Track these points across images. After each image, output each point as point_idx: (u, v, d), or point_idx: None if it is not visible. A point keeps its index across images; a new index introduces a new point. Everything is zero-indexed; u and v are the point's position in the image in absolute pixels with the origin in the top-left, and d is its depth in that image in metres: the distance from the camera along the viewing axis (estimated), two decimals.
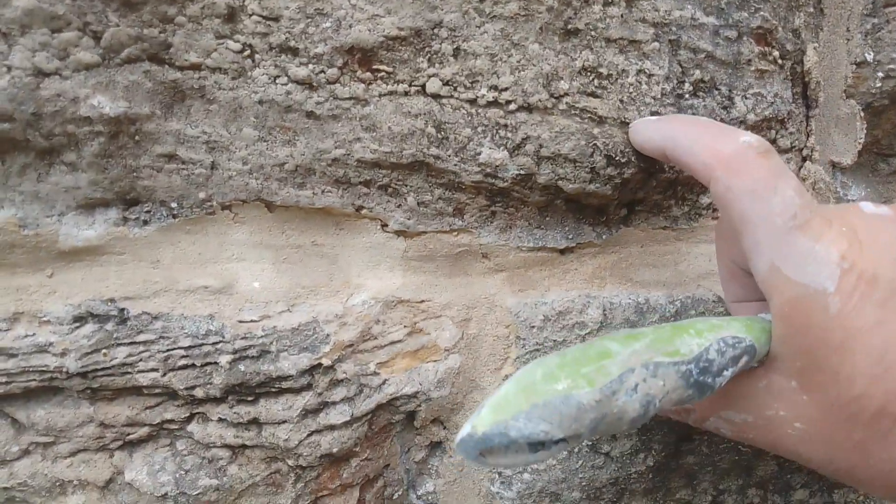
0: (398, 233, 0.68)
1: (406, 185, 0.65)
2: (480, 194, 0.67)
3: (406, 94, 0.63)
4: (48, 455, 0.64)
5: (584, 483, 0.74)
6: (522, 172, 0.65)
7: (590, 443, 0.73)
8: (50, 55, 0.54)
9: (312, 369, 0.64)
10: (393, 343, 0.68)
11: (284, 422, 0.64)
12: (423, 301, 0.69)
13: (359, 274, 0.68)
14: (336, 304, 0.66)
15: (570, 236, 0.71)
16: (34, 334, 0.60)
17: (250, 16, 0.59)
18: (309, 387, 0.64)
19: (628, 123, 0.66)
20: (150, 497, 0.64)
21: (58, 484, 0.64)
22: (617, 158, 0.66)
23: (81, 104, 0.56)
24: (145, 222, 0.62)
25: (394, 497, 0.74)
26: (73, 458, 0.64)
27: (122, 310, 0.61)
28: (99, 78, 0.56)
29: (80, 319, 0.61)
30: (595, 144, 0.65)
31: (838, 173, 0.84)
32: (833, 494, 0.82)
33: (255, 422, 0.64)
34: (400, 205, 0.66)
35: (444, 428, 0.74)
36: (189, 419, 0.65)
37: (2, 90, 0.53)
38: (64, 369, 0.60)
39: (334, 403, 0.65)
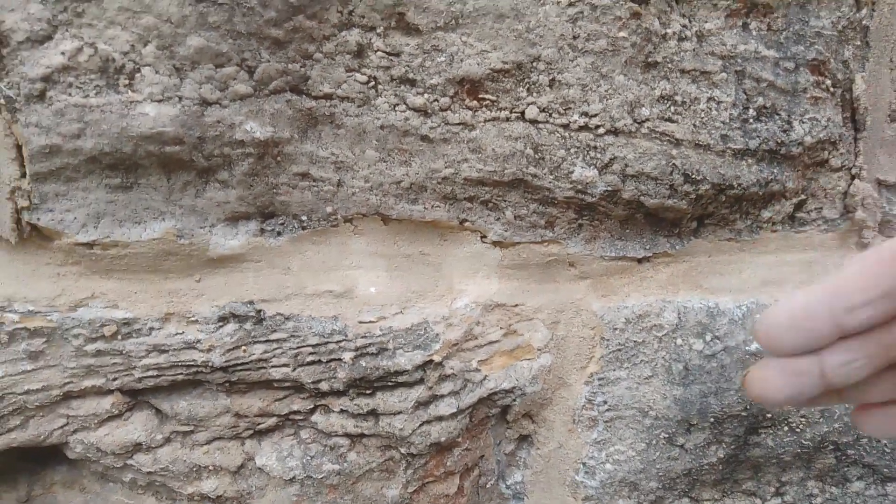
0: (496, 243, 0.74)
1: (505, 201, 0.72)
2: (570, 208, 0.73)
3: (507, 119, 0.70)
4: (187, 443, 0.70)
5: (660, 473, 0.79)
6: (609, 189, 0.71)
7: (667, 435, 0.78)
8: (213, 87, 0.61)
9: (425, 365, 0.70)
10: (491, 343, 0.74)
11: (400, 413, 0.70)
12: (516, 305, 0.75)
13: (460, 280, 0.74)
14: (442, 307, 0.73)
15: (648, 247, 0.77)
16: (183, 332, 0.66)
17: (376, 52, 0.66)
18: (421, 381, 0.70)
19: (702, 146, 0.72)
20: (278, 480, 0.70)
21: (195, 469, 0.70)
22: (693, 176, 0.72)
23: (237, 129, 0.62)
24: (279, 233, 0.69)
25: (487, 486, 0.79)
26: (209, 446, 0.70)
27: (259, 311, 0.68)
28: (251, 106, 0.63)
29: (223, 319, 0.67)
30: (674, 164, 0.72)
31: (884, 190, 0.90)
32: (887, 486, 0.87)
33: (373, 413, 0.70)
34: (499, 218, 0.73)
35: (534, 422, 0.79)
36: (313, 410, 0.71)
37: (175, 117, 0.60)
38: (209, 364, 0.67)
39: (443, 396, 0.71)
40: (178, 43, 0.59)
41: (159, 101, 0.59)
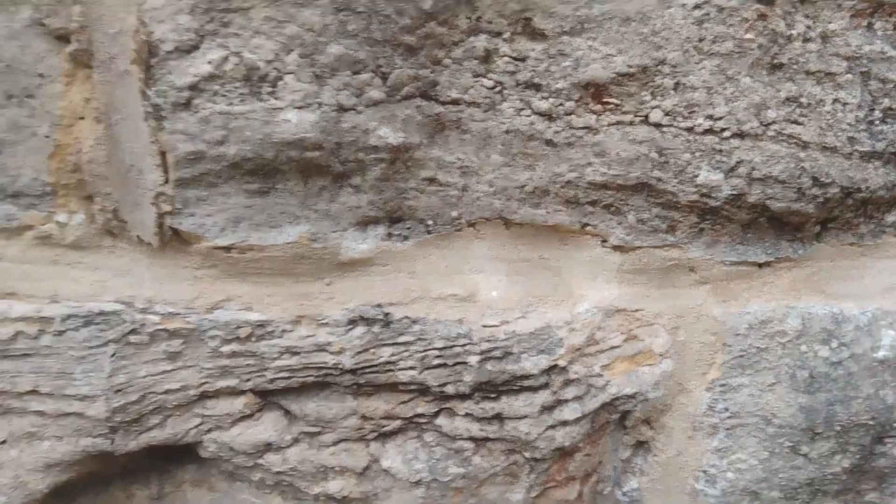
0: (616, 248, 0.73)
1: (627, 205, 0.71)
2: (693, 212, 0.71)
3: (631, 123, 0.68)
4: (314, 443, 0.70)
5: (782, 483, 0.76)
6: (735, 192, 0.70)
7: (791, 444, 0.75)
8: (350, 93, 0.62)
9: (550, 369, 0.69)
10: (612, 348, 0.73)
11: (525, 417, 0.69)
12: (637, 310, 0.74)
13: (580, 285, 0.73)
14: (564, 312, 0.71)
15: (769, 251, 0.75)
16: (314, 335, 0.67)
17: (502, 57, 0.66)
18: (546, 385, 0.69)
19: (829, 148, 0.70)
20: (404, 483, 0.69)
21: (321, 470, 0.70)
22: (822, 179, 0.70)
23: (371, 135, 0.63)
24: (405, 238, 0.69)
25: (604, 493, 0.77)
26: (336, 447, 0.70)
27: (387, 314, 0.68)
28: (384, 112, 0.63)
29: (353, 322, 0.67)
30: (802, 167, 0.69)
31: None
32: None
33: (498, 417, 0.69)
34: (621, 222, 0.71)
35: (652, 428, 0.78)
36: (437, 414, 0.70)
37: (315, 123, 0.60)
38: (340, 366, 0.67)
39: (567, 401, 0.70)
40: (319, 51, 0.59)
41: (300, 107, 0.60)
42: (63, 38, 0.60)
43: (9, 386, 0.63)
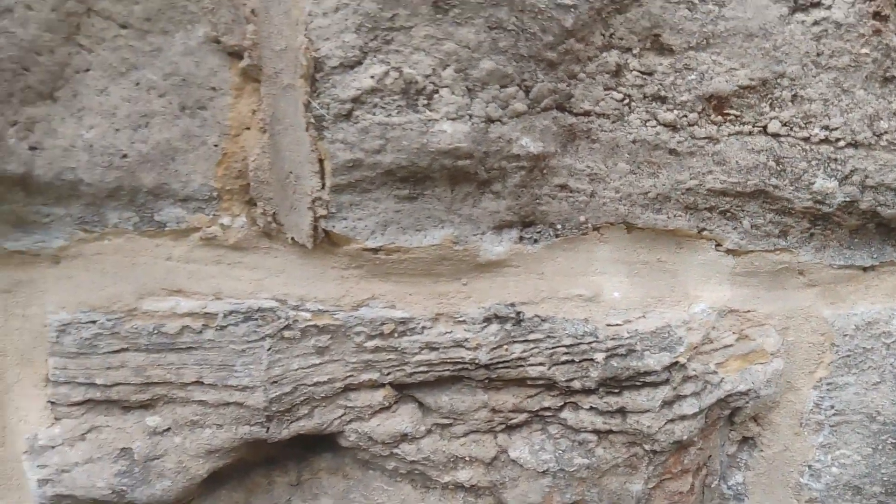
0: (730, 251, 0.76)
1: (743, 210, 0.74)
2: (805, 218, 0.75)
3: (750, 133, 0.72)
4: (445, 434, 0.74)
5: (885, 478, 0.79)
6: (847, 199, 0.73)
7: (894, 440, 0.79)
8: (497, 105, 0.66)
9: (671, 366, 0.72)
10: (726, 347, 0.76)
11: (647, 411, 0.72)
12: (748, 311, 0.78)
13: (695, 286, 0.77)
14: (681, 312, 0.75)
15: (875, 256, 0.78)
16: (452, 331, 0.71)
17: (631, 71, 0.70)
18: (667, 381, 0.73)
19: None
20: (531, 472, 0.73)
21: (452, 459, 0.74)
22: None
23: (514, 144, 0.67)
24: (535, 241, 0.73)
25: (711, 486, 0.81)
26: (466, 438, 0.74)
27: (519, 312, 0.72)
28: (524, 123, 0.67)
29: (487, 320, 0.71)
30: None
31: None
32: None
33: (620, 411, 0.73)
34: (736, 227, 0.75)
35: (759, 424, 0.81)
36: (562, 407, 0.74)
37: (467, 134, 0.65)
38: (476, 361, 0.71)
39: (685, 397, 0.74)
40: (472, 66, 0.64)
41: (454, 119, 0.64)
42: (236, 54, 0.65)
43: (174, 377, 0.67)
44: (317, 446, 0.76)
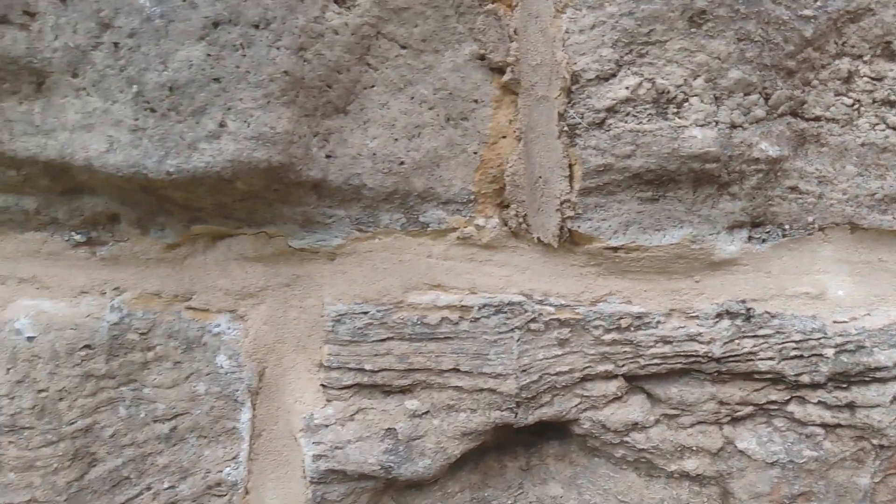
0: None
1: None
2: None
3: None
4: (672, 425, 0.77)
5: None
6: None
7: None
8: (740, 112, 0.69)
9: None
10: None
11: (878, 406, 0.74)
12: None
13: None
14: None
15: None
16: (685, 326, 0.74)
17: (862, 77, 0.72)
18: (895, 377, 0.74)
19: None
20: (760, 463, 0.76)
21: (679, 449, 0.77)
22: None
23: (754, 149, 0.70)
24: (763, 240, 0.76)
25: None
26: (693, 429, 0.77)
27: (749, 309, 0.75)
28: (763, 128, 0.71)
29: (719, 316, 0.75)
30: None
31: None
32: None
33: (849, 405, 0.75)
34: None
35: None
36: (788, 401, 0.76)
37: (714, 139, 0.68)
38: (709, 355, 0.74)
39: None
40: (721, 76, 0.67)
41: (702, 125, 0.68)
42: (498, 69, 0.71)
43: (433, 364, 0.73)
44: (544, 433, 0.81)
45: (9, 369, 0.67)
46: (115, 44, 0.60)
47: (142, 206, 0.68)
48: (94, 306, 0.70)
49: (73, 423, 0.68)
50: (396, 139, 0.70)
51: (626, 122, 0.69)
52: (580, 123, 0.69)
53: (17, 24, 0.59)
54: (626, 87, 0.68)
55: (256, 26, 0.61)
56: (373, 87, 0.69)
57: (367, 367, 0.73)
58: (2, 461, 0.66)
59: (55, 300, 0.69)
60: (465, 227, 0.74)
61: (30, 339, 0.67)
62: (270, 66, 0.62)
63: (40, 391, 0.67)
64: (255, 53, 0.61)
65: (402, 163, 0.70)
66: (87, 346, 0.69)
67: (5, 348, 0.67)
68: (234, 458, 0.75)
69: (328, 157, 0.68)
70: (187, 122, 0.61)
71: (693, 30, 0.67)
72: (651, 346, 0.74)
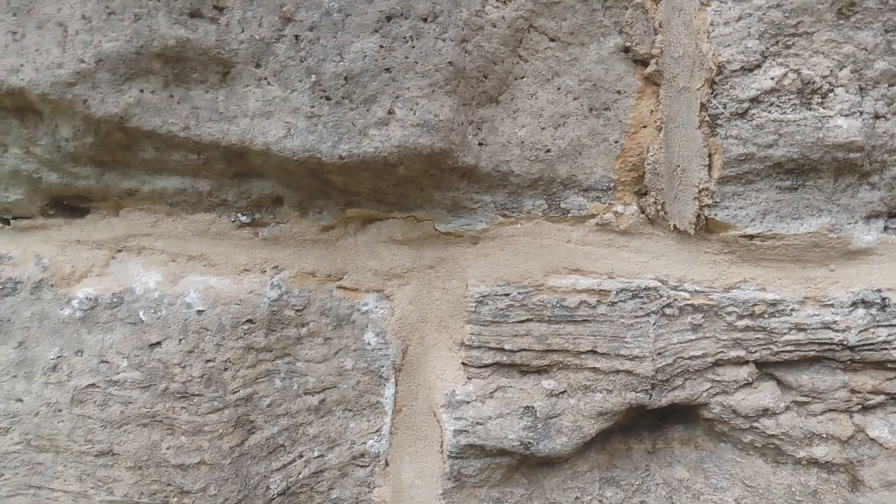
0: None
1: None
2: None
3: None
4: (802, 412, 0.78)
5: None
6: None
7: None
8: (884, 103, 0.70)
9: None
10: None
11: None
12: None
13: None
14: None
15: None
16: (819, 314, 0.75)
17: None
18: None
19: None
20: (892, 451, 0.76)
21: (808, 435, 0.78)
22: None
23: None
24: None
25: None
26: (823, 416, 0.78)
27: (885, 298, 0.75)
28: None
29: (854, 304, 0.75)
30: None
31: None
32: None
33: None
34: None
35: None
36: None
37: (859, 129, 0.69)
38: (844, 343, 0.75)
39: None
40: (867, 66, 0.68)
41: (847, 115, 0.69)
42: (642, 61, 0.73)
43: (570, 346, 0.75)
44: (668, 417, 0.82)
45: (181, 340, 0.71)
46: (297, 36, 0.64)
47: (305, 189, 0.72)
48: (256, 283, 0.74)
49: (235, 393, 0.73)
50: (543, 128, 0.72)
51: (769, 111, 0.70)
52: (722, 113, 0.71)
53: (209, 17, 0.64)
54: (772, 78, 0.70)
55: (425, 19, 0.65)
56: (523, 77, 0.72)
57: (507, 346, 0.76)
58: (175, 425, 0.71)
59: (221, 277, 0.74)
60: (604, 214, 0.76)
61: (199, 312, 0.72)
62: (436, 57, 0.65)
63: (208, 361, 0.72)
64: (423, 45, 0.65)
65: (548, 150, 0.73)
66: (250, 321, 0.73)
67: (178, 320, 0.72)
68: (377, 430, 0.78)
69: (480, 144, 0.71)
70: (359, 110, 0.65)
71: (841, 21, 0.68)
72: (785, 333, 0.75)
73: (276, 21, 0.64)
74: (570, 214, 0.76)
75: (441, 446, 0.78)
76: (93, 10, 0.62)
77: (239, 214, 0.74)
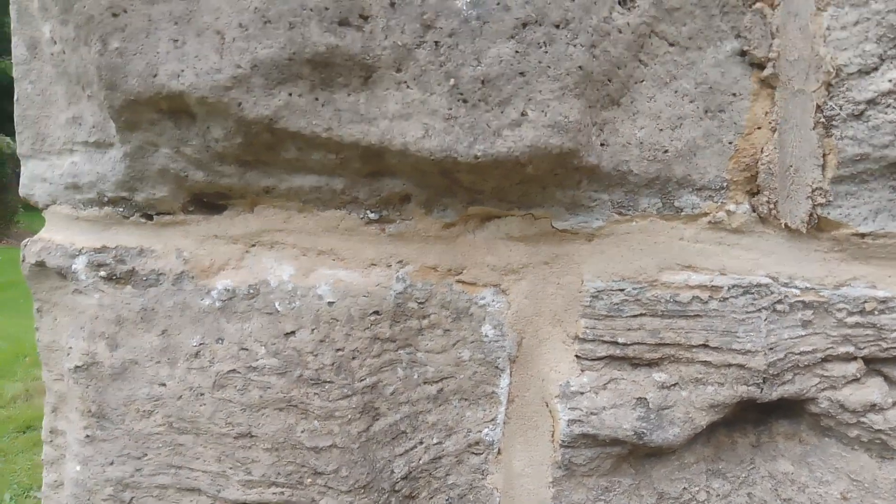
0: None
1: None
2: None
3: None
4: None
5: None
6: None
7: None
8: None
9: None
10: None
11: None
12: None
13: None
14: None
15: None
16: None
17: None
18: None
19: None
20: None
21: None
22: None
23: None
24: None
25: None
26: None
27: None
28: None
29: None
30: None
31: None
32: None
33: None
34: None
35: None
36: None
37: None
38: None
39: None
40: None
41: None
42: (758, 64, 0.75)
43: (682, 339, 0.77)
44: (772, 412, 0.84)
45: (313, 329, 0.75)
46: (437, 42, 0.68)
47: (433, 188, 0.75)
48: (383, 277, 0.77)
49: (362, 380, 0.76)
50: (661, 129, 0.75)
51: (885, 113, 0.72)
52: (838, 115, 0.72)
53: (355, 25, 0.67)
54: (889, 80, 0.71)
55: (557, 26, 0.68)
56: (642, 81, 0.74)
57: (620, 340, 0.78)
58: (308, 409, 0.75)
59: (349, 270, 0.78)
60: (717, 212, 0.78)
61: (330, 303, 0.76)
62: (567, 62, 0.68)
63: (338, 350, 0.76)
64: (555, 50, 0.68)
65: (665, 151, 0.75)
66: (376, 312, 0.77)
67: (310, 310, 0.75)
68: (492, 420, 0.81)
69: (602, 145, 0.74)
70: (493, 112, 0.68)
71: None
72: (894, 330, 0.76)
73: (417, 28, 0.67)
74: (683, 213, 0.78)
75: (552, 436, 0.81)
76: (249, 20, 0.66)
77: (368, 211, 0.77)
